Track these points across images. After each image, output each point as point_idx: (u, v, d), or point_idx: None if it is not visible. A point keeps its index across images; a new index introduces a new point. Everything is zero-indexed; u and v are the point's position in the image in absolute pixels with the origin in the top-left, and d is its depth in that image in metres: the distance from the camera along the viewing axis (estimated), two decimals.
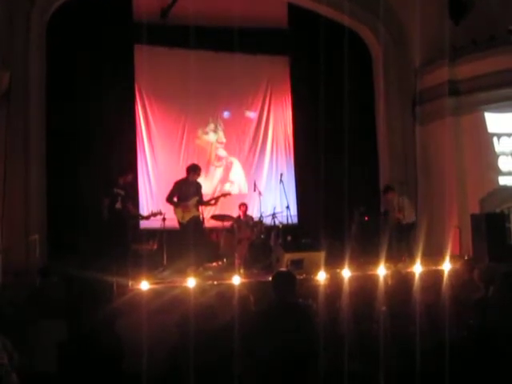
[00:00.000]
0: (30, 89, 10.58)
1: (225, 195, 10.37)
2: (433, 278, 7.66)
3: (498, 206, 11.63)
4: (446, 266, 8.95)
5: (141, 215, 10.31)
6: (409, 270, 8.86)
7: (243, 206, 11.28)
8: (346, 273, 8.36)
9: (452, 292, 5.76)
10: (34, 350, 5.27)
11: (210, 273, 9.47)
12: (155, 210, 9.83)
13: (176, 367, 4.69)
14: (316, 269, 8.77)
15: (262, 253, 10.27)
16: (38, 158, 10.66)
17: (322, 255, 9.49)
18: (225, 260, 10.56)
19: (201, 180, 9.98)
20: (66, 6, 11.15)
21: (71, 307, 6.17)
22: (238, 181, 13.28)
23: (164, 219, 9.96)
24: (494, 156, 11.97)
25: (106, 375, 4.88)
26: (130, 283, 7.88)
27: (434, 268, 9.11)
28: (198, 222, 9.60)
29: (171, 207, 9.66)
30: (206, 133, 13.09)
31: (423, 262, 9.17)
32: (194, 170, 9.69)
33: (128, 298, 6.88)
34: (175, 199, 9.58)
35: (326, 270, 8.51)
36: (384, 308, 5.27)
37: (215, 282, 8.32)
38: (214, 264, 10.43)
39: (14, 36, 10.46)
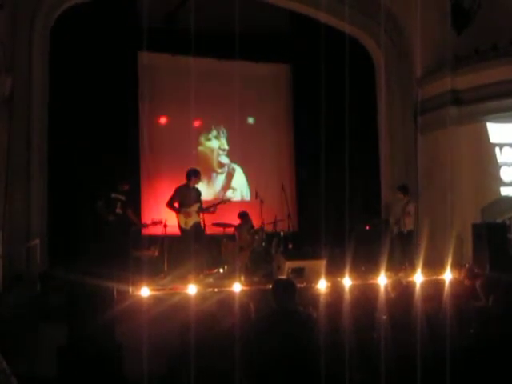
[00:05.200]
0: (32, 93, 10.56)
1: (224, 202, 10.35)
2: (434, 288, 7.65)
3: (499, 216, 11.60)
4: (447, 276, 8.95)
5: (141, 224, 10.28)
6: (409, 279, 8.85)
7: (244, 215, 11.25)
8: (347, 281, 8.36)
9: (453, 301, 5.74)
10: (33, 354, 5.27)
11: (211, 280, 9.45)
12: (156, 219, 9.81)
13: (176, 374, 4.69)
14: (317, 277, 8.78)
15: (262, 261, 10.27)
16: (40, 163, 10.65)
17: (322, 263, 9.47)
18: (226, 267, 10.53)
19: (203, 186, 10.00)
20: (70, 11, 11.16)
21: (71, 312, 6.16)
22: (240, 188, 13.29)
23: (165, 226, 9.96)
24: (496, 166, 11.94)
25: (105, 381, 4.87)
26: (130, 289, 7.89)
27: (435, 277, 9.10)
28: (199, 228, 9.61)
29: (173, 214, 9.67)
30: (209, 139, 13.13)
31: (424, 272, 9.17)
32: (194, 174, 9.68)
33: (128, 305, 6.87)
34: (176, 205, 9.59)
35: (327, 279, 8.52)
36: (384, 317, 5.27)
37: (216, 290, 8.31)
38: (215, 271, 10.42)
39: (18, 41, 10.46)
